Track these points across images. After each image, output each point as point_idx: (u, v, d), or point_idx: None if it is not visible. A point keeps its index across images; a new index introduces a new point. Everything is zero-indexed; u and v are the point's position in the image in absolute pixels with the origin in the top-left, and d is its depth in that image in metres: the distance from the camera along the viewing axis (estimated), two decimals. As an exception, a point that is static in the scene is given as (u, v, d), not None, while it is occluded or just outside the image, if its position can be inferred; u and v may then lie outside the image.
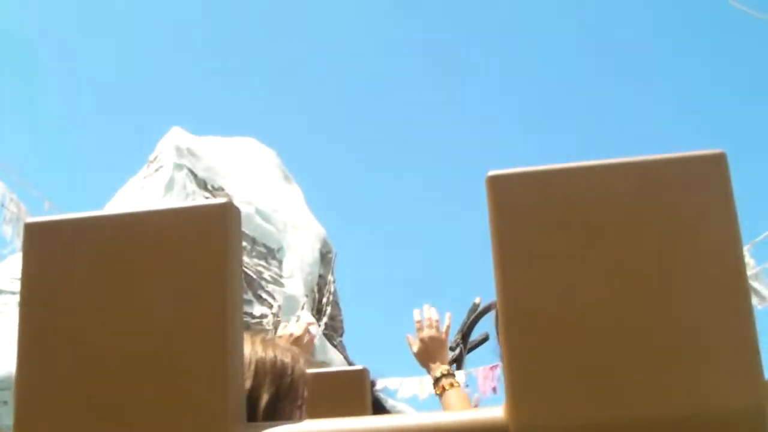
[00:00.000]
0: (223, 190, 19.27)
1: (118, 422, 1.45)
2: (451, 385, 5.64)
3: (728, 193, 1.47)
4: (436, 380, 5.68)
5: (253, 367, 1.89)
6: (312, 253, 20.77)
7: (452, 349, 21.16)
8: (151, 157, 19.63)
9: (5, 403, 12.36)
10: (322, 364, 19.26)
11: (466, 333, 21.43)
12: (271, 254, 19.49)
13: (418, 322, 5.75)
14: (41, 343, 1.54)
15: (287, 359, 1.97)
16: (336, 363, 19.31)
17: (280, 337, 3.90)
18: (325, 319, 19.98)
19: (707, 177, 1.49)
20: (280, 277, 19.22)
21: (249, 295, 17.90)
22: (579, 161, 1.52)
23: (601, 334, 1.41)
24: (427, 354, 5.80)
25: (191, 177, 18.95)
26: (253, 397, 1.85)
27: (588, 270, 1.45)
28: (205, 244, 1.47)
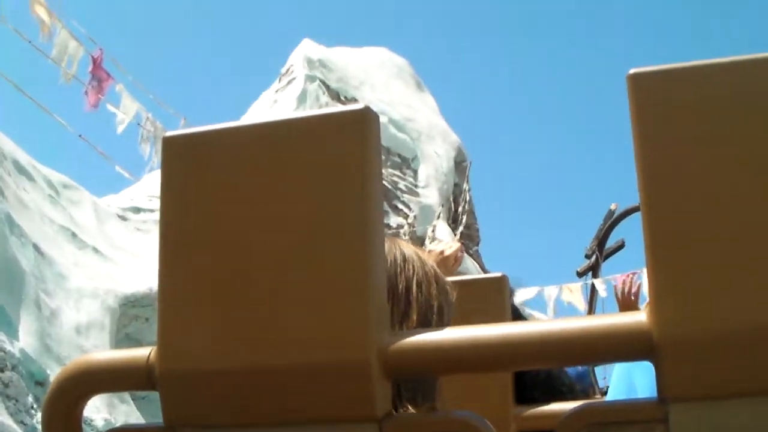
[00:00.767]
0: (356, 100, 19.35)
1: (262, 328, 1.47)
2: None
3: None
4: None
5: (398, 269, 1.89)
6: (447, 162, 20.81)
7: (587, 257, 21.05)
8: (283, 70, 19.80)
9: (147, 320, 12.67)
10: (458, 273, 19.22)
11: (602, 240, 21.29)
12: (406, 164, 19.58)
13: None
14: (183, 254, 1.57)
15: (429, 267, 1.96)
16: (472, 272, 19.36)
17: (430, 251, 3.88)
18: (460, 228, 20.04)
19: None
20: (416, 186, 19.31)
21: (385, 206, 18.00)
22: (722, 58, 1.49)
23: (750, 238, 1.39)
24: None
25: (323, 88, 19.07)
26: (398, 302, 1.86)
27: (736, 172, 1.39)
28: (344, 149, 1.46)
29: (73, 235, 12.44)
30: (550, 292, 16.90)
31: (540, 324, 1.44)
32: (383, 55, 22.38)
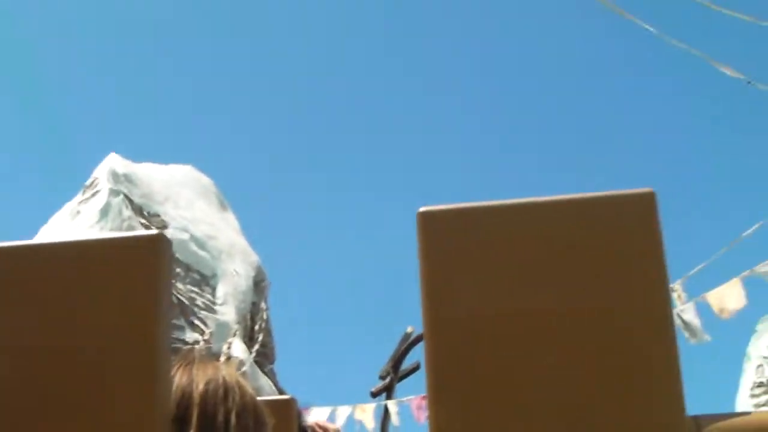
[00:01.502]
0: (158, 216, 19.16)
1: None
2: None
3: (656, 230, 1.49)
4: None
5: (184, 395, 1.86)
6: (246, 281, 20.69)
7: (382, 377, 21.12)
8: (88, 182, 19.47)
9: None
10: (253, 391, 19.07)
11: (397, 362, 21.38)
12: (205, 281, 19.39)
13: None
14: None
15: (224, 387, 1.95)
16: (266, 390, 19.20)
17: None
18: (256, 347, 19.88)
19: (636, 215, 1.50)
20: (213, 304, 19.11)
21: (182, 321, 17.78)
22: (509, 199, 1.54)
23: (529, 374, 1.43)
24: None
25: (127, 203, 18.82)
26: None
27: (516, 307, 1.45)
28: (135, 274, 1.45)
29: None
30: (344, 411, 16.84)
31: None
32: (189, 172, 22.26)
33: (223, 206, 23.29)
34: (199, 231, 20.32)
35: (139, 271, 1.50)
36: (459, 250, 1.50)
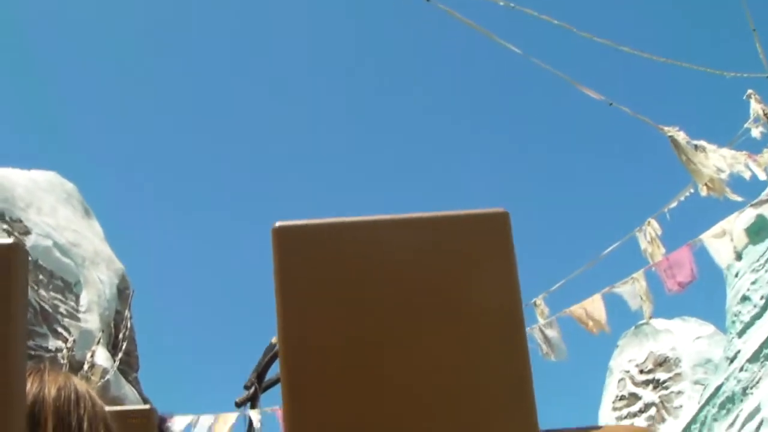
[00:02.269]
0: (21, 222, 18.88)
1: None
2: None
3: (508, 249, 1.53)
4: None
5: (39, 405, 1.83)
6: (110, 289, 20.49)
7: (247, 387, 21.07)
8: (-55, 190, 19.09)
9: None
10: (116, 399, 18.91)
11: (261, 372, 21.32)
12: (69, 288, 19.15)
13: None
14: None
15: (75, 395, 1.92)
16: (130, 398, 18.98)
17: None
18: (120, 355, 19.72)
19: (489, 234, 1.54)
20: (77, 311, 18.89)
21: (44, 329, 17.53)
22: (367, 215, 1.59)
23: (382, 385, 1.47)
24: None
25: (-12, 208, 18.48)
26: None
27: (368, 321, 1.49)
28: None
29: None
30: (206, 421, 16.80)
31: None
32: (53, 178, 21.95)
33: (87, 213, 23.04)
34: (63, 238, 20.08)
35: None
36: (314, 265, 1.53)
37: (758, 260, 18.19)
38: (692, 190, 10.51)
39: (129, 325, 20.84)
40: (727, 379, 19.01)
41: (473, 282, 1.53)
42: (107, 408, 2.41)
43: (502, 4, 9.50)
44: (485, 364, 1.49)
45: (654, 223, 11.28)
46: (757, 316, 18.28)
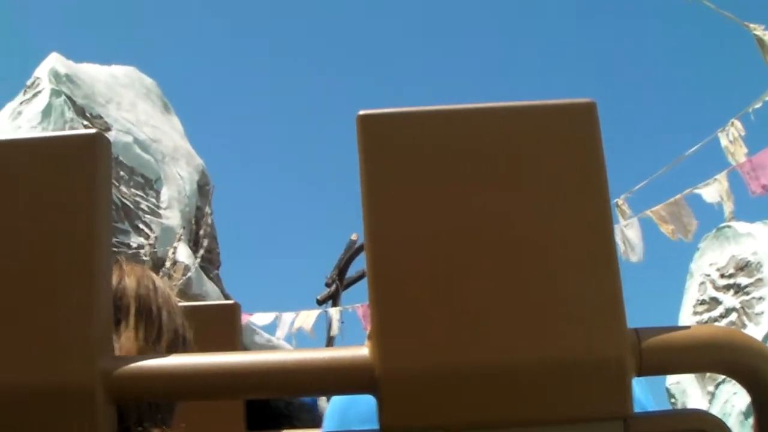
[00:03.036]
0: (101, 118, 18.97)
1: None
2: None
3: (596, 141, 1.49)
4: None
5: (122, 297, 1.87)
6: (190, 185, 20.64)
7: (328, 285, 21.29)
8: (29, 83, 19.22)
9: None
10: (198, 296, 19.22)
11: (342, 269, 21.56)
12: (149, 185, 19.31)
13: None
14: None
15: (152, 288, 1.96)
16: (212, 295, 19.24)
17: None
18: (201, 251, 19.88)
19: (576, 125, 1.50)
20: (158, 208, 19.07)
21: (126, 225, 17.72)
22: (450, 105, 1.53)
23: (468, 278, 1.43)
24: None
25: (69, 104, 18.61)
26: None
27: (455, 214, 1.46)
28: (73, 174, 1.43)
29: None
30: (288, 318, 16.93)
31: (264, 355, 1.45)
32: (132, 74, 22.02)
33: (167, 109, 23.13)
34: (143, 133, 20.19)
35: (78, 170, 1.49)
36: (399, 155, 1.50)
37: None
38: (777, 91, 10.24)
39: (210, 221, 21.03)
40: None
41: (560, 174, 1.49)
42: (191, 303, 2.38)
43: None
44: (573, 260, 1.46)
45: (737, 123, 11.13)
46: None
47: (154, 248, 17.96)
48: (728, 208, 11.11)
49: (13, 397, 1.42)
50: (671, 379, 23.37)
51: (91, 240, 1.45)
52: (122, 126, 19.12)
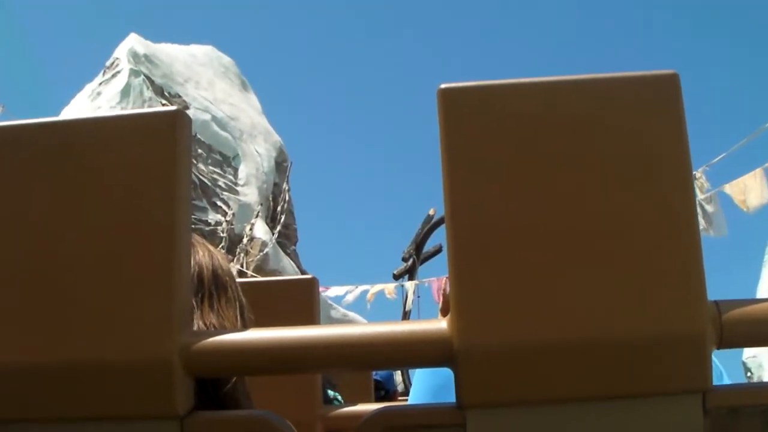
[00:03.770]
0: (179, 97, 19.15)
1: (63, 328, 1.45)
2: None
3: (680, 113, 1.47)
4: None
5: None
6: (268, 162, 20.77)
7: (405, 260, 21.32)
8: (108, 63, 19.45)
9: None
10: (275, 272, 19.33)
11: (420, 244, 21.56)
12: (227, 162, 19.46)
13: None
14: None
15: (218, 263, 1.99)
16: (288, 271, 19.36)
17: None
18: (278, 228, 20.01)
19: (660, 97, 1.48)
20: (236, 185, 19.21)
21: (204, 203, 17.88)
22: (530, 77, 1.49)
23: (549, 253, 1.42)
24: None
25: (148, 83, 18.80)
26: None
27: (537, 188, 1.44)
28: (154, 151, 1.43)
29: None
30: (365, 292, 16.96)
31: (342, 328, 1.46)
32: (210, 52, 22.24)
33: (244, 87, 23.29)
34: (221, 111, 20.35)
35: (159, 147, 1.51)
36: (481, 129, 1.48)
37: None
38: None
39: (287, 197, 21.16)
40: None
41: (643, 147, 1.47)
42: (269, 279, 2.41)
43: None
44: (655, 233, 1.44)
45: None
46: None
47: (232, 225, 18.10)
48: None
49: (96, 370, 1.43)
50: (747, 353, 23.18)
51: (172, 216, 1.47)
52: (200, 104, 19.27)
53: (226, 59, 23.04)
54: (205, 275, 1.85)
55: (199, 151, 18.80)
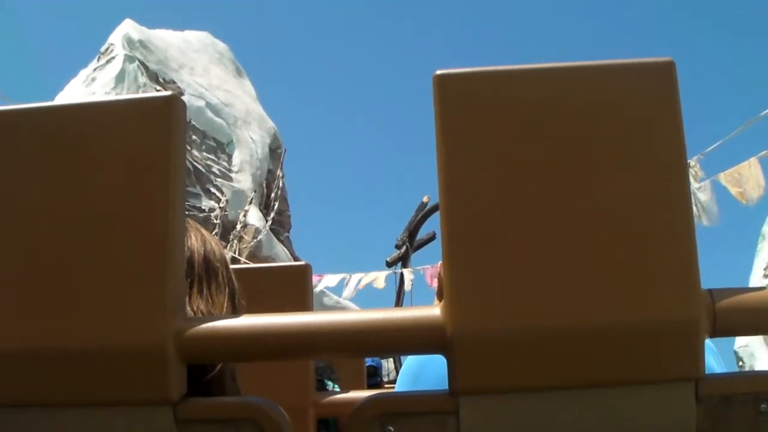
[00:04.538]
0: (174, 83, 19.11)
1: (57, 313, 1.44)
2: None
3: (675, 101, 1.47)
4: None
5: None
6: (262, 148, 20.76)
7: (398, 247, 21.31)
8: (103, 49, 19.40)
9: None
10: (268, 258, 19.35)
11: (413, 231, 21.55)
12: (221, 148, 19.44)
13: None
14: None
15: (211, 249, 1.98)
16: (282, 257, 19.37)
17: None
18: (272, 214, 20.00)
19: (655, 85, 1.48)
20: (229, 171, 19.20)
21: (197, 189, 17.86)
22: (527, 64, 1.51)
23: (542, 240, 1.43)
24: None
25: (142, 69, 18.76)
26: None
27: (531, 175, 1.44)
28: (148, 136, 1.43)
29: None
30: (358, 279, 16.95)
31: (335, 315, 1.46)
32: (205, 39, 22.20)
33: (239, 73, 23.26)
34: (215, 98, 20.31)
35: (154, 132, 1.51)
36: (476, 115, 1.48)
37: None
38: None
39: (281, 184, 21.15)
40: None
41: (637, 134, 1.47)
42: (263, 265, 2.41)
43: None
44: (649, 221, 1.44)
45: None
46: None
47: (225, 211, 18.10)
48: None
49: (89, 356, 1.44)
50: (739, 342, 23.22)
51: (166, 202, 1.47)
52: (195, 90, 19.24)
53: (221, 45, 23.01)
54: (196, 260, 1.85)
55: (194, 137, 18.78)
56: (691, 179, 12.07)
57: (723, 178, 11.56)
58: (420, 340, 1.44)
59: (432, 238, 21.43)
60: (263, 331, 1.45)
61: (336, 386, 3.77)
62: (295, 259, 19.53)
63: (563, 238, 1.43)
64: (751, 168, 11.23)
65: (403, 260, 20.64)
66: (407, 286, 18.09)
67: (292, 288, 2.79)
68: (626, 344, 1.40)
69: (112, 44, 19.19)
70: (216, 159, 19.35)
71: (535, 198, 1.45)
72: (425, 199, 21.50)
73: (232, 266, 2.03)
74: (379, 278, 17.03)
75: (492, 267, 1.42)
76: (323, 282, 16.66)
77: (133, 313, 1.43)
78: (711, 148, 12.15)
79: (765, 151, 11.16)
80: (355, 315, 1.48)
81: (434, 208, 20.53)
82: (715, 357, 2.81)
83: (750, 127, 11.90)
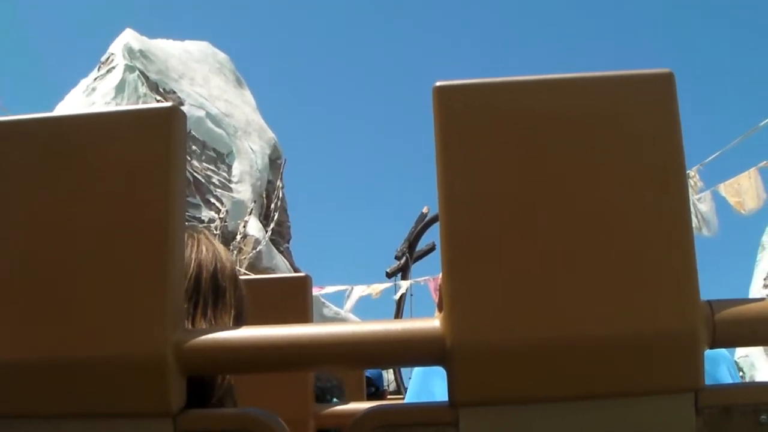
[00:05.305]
0: (174, 93, 19.10)
1: (56, 324, 1.44)
2: None
3: (674, 112, 1.47)
4: None
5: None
6: (262, 159, 20.74)
7: (398, 258, 21.34)
8: (103, 59, 19.40)
9: None
10: (267, 270, 19.32)
11: (413, 242, 21.59)
12: (221, 159, 19.43)
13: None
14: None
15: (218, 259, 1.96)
16: (282, 268, 19.35)
17: None
18: (272, 225, 19.98)
19: (654, 95, 1.48)
20: (229, 181, 19.19)
21: (197, 200, 17.85)
22: (526, 75, 1.52)
23: (541, 252, 1.43)
24: None
25: (143, 79, 18.75)
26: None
27: (530, 186, 1.45)
28: (149, 147, 1.43)
29: None
30: (358, 291, 16.94)
31: (335, 327, 1.46)
32: (205, 49, 22.20)
33: (239, 83, 23.24)
34: (216, 108, 20.30)
35: (154, 143, 1.51)
36: (475, 127, 1.49)
37: None
38: None
39: (281, 195, 21.13)
40: None
41: (636, 145, 1.48)
42: (263, 276, 2.41)
43: None
44: (648, 232, 1.45)
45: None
46: None
47: (225, 222, 18.08)
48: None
49: (89, 368, 1.44)
50: (740, 352, 23.16)
51: (166, 213, 1.48)
52: (195, 101, 19.23)
53: (222, 55, 23.01)
54: (204, 278, 1.83)
55: (194, 147, 18.76)
56: (691, 190, 12.05)
57: (723, 188, 11.55)
58: (420, 351, 1.45)
59: (432, 248, 21.46)
60: (263, 342, 1.46)
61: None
62: (295, 270, 19.51)
63: (562, 249, 1.44)
64: (750, 178, 11.21)
65: (403, 271, 20.68)
66: (407, 296, 18.11)
67: (292, 299, 2.78)
68: (626, 355, 1.41)
69: (112, 54, 19.19)
70: (216, 169, 19.33)
71: (535, 209, 1.45)
72: (425, 210, 21.55)
73: None
74: (380, 290, 17.02)
75: (491, 279, 1.42)
76: (324, 292, 16.66)
77: (132, 324, 1.43)
78: (710, 158, 12.13)
79: (765, 162, 11.14)
80: (355, 327, 1.48)
81: (434, 219, 20.56)
82: (729, 367, 2.80)
83: (749, 137, 11.89)
